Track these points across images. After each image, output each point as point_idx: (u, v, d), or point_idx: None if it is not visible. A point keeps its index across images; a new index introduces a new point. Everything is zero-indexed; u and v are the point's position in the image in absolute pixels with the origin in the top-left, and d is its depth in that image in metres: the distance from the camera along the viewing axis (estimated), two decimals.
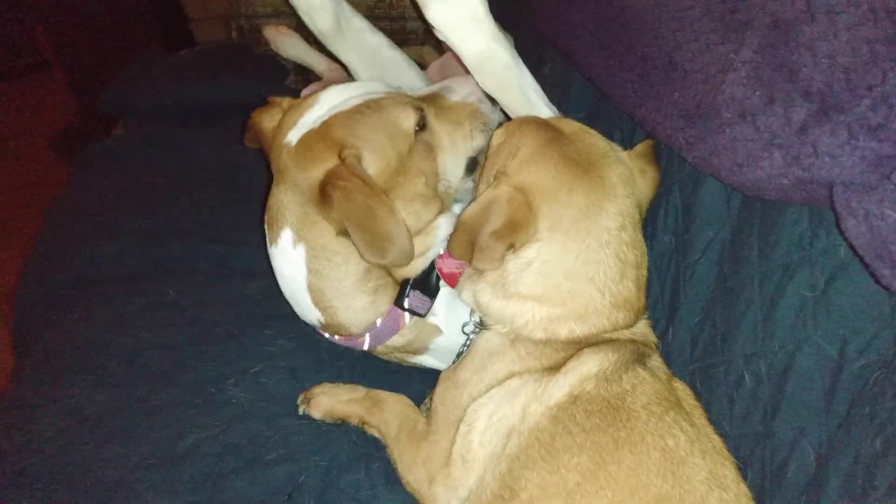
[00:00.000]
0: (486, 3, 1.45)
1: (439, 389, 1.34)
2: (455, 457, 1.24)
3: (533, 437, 1.15)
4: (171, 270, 1.88)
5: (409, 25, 2.75)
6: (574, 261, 1.21)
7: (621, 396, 1.14)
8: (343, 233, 1.32)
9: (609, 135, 1.60)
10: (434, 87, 1.56)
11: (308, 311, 1.50)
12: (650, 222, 1.43)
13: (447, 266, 1.47)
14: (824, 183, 0.89)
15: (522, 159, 1.25)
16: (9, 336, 2.06)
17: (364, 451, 1.45)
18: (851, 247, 0.86)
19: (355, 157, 1.30)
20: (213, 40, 3.36)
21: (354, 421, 1.48)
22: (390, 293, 1.48)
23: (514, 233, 1.19)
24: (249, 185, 2.18)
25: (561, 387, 1.17)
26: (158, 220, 2.04)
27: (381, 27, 2.71)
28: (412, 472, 1.30)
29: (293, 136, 1.39)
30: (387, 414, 1.42)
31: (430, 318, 1.52)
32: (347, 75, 2.56)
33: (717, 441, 1.17)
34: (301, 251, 1.41)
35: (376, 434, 1.45)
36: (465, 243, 1.23)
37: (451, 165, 1.48)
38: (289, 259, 1.44)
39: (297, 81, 2.66)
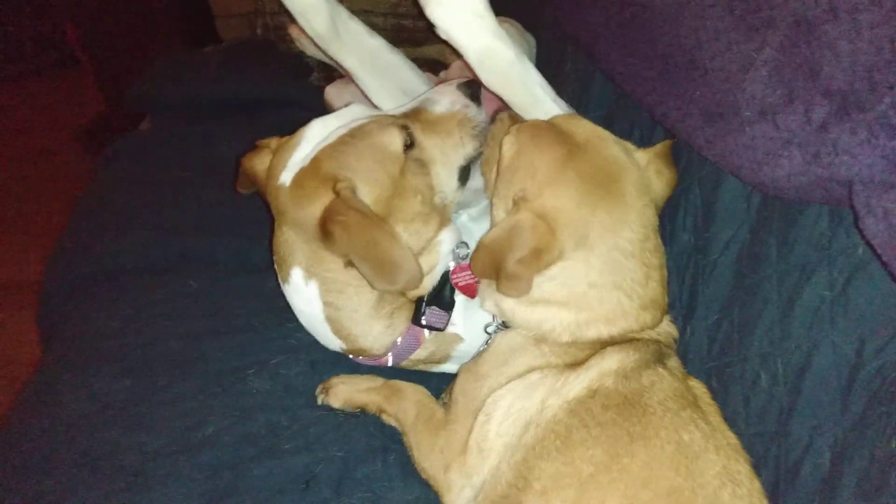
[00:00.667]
0: (487, 0, 1.45)
1: (460, 380, 1.36)
2: (472, 445, 1.25)
3: (549, 429, 1.16)
4: (193, 263, 1.91)
5: None
6: (600, 273, 1.22)
7: (639, 393, 1.15)
8: (350, 264, 1.33)
9: (629, 133, 1.61)
10: (416, 102, 1.52)
11: (329, 341, 1.53)
12: (669, 221, 1.43)
13: (462, 279, 1.49)
14: (844, 182, 0.89)
15: (542, 182, 1.24)
16: (35, 325, 2.11)
17: (380, 443, 1.47)
18: (870, 246, 0.86)
19: (349, 190, 1.30)
20: (237, 37, 3.41)
21: (372, 409, 1.50)
22: (406, 313, 1.49)
23: (540, 259, 1.20)
24: None
25: (581, 381, 1.18)
26: (181, 213, 2.07)
27: (403, 25, 2.74)
28: (429, 459, 1.31)
29: (286, 177, 1.39)
30: (405, 402, 1.43)
31: (450, 328, 1.53)
32: None
33: (732, 438, 1.17)
34: (314, 287, 1.43)
35: (393, 423, 1.47)
36: (489, 265, 1.23)
37: (446, 177, 1.46)
38: (303, 296, 1.46)
39: (319, 79, 2.68)
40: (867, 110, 0.84)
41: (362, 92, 2.19)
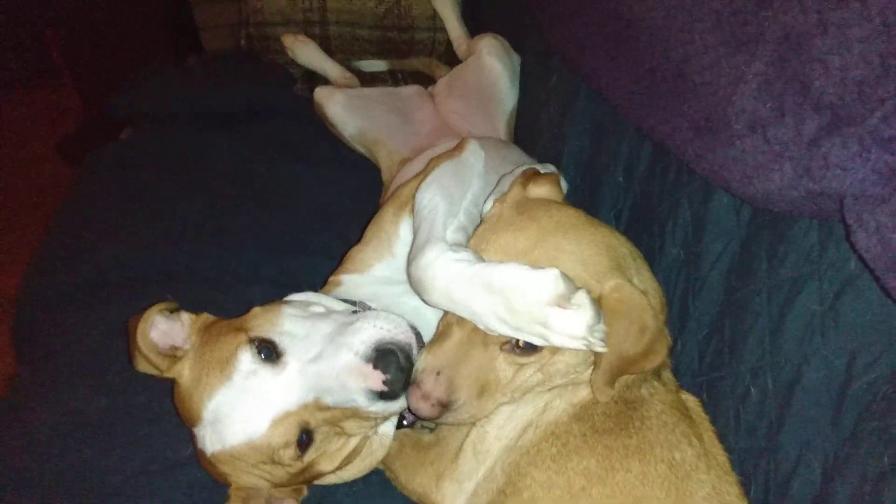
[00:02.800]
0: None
1: None
2: (465, 448, 1.23)
3: (549, 432, 1.14)
4: (174, 275, 1.87)
5: (418, 36, 2.76)
6: None
7: (638, 403, 1.14)
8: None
9: (616, 147, 1.61)
10: (311, 392, 1.21)
11: None
12: (658, 236, 1.43)
13: None
14: (835, 195, 0.89)
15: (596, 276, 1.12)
16: (10, 338, 2.06)
17: None
18: (862, 259, 0.85)
19: (244, 492, 1.25)
20: (221, 48, 3.38)
21: None
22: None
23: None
24: (254, 190, 2.19)
25: (587, 387, 1.16)
26: (162, 224, 2.04)
27: (389, 38, 2.74)
28: (418, 476, 1.28)
29: (208, 448, 1.24)
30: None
31: None
32: (360, 83, 2.58)
33: (722, 457, 1.17)
34: None
35: None
36: (617, 375, 1.12)
37: (360, 436, 1.30)
38: None
39: (304, 89, 2.67)
40: (858, 124, 0.84)
41: (351, 97, 2.17)
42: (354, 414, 1.22)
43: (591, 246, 1.13)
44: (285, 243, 2.02)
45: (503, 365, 1.14)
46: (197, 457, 1.29)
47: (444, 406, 1.14)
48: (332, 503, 1.36)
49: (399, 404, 1.22)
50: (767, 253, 1.14)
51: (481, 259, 1.14)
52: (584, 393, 1.17)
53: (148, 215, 2.08)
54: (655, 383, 1.19)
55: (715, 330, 1.26)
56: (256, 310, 1.34)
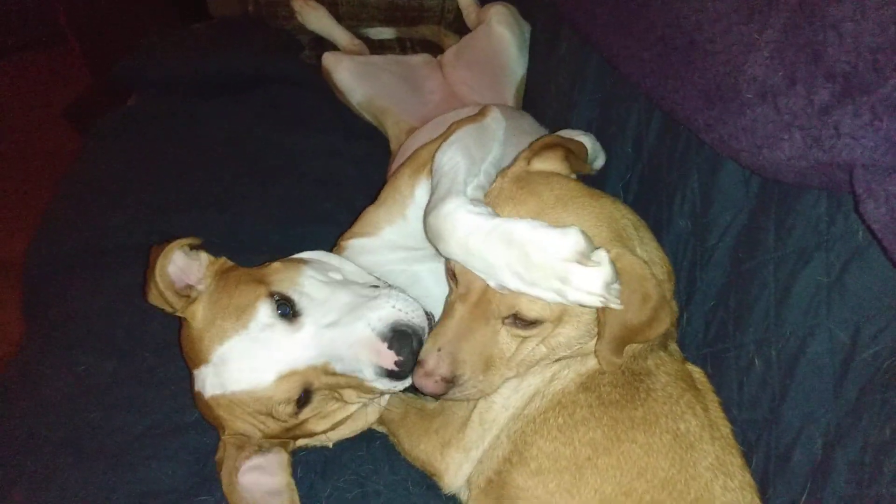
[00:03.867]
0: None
1: None
2: (473, 418, 1.24)
3: (556, 401, 1.15)
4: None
5: (427, 3, 2.71)
6: None
7: (644, 374, 1.15)
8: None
9: (625, 117, 1.59)
10: (323, 355, 1.23)
11: None
12: (666, 207, 1.42)
13: None
14: (844, 165, 0.87)
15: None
16: (19, 303, 2.08)
17: (365, 431, 1.45)
18: (870, 230, 0.84)
19: (237, 439, 1.27)
20: (228, 14, 3.34)
21: None
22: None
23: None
24: (260, 158, 2.18)
25: (595, 357, 1.16)
26: (168, 191, 2.04)
27: (398, 5, 2.70)
28: (423, 443, 1.29)
29: (207, 390, 1.27)
30: (388, 404, 1.41)
31: None
32: (372, 49, 2.55)
33: (726, 429, 1.17)
34: None
35: (376, 427, 1.44)
36: (624, 344, 1.13)
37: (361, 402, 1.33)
38: None
39: (311, 56, 2.64)
40: (871, 92, 0.82)
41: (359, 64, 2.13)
42: (358, 385, 1.24)
43: (590, 218, 1.13)
44: (290, 211, 2.01)
45: (506, 339, 1.15)
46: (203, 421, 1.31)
47: (449, 382, 1.15)
48: (337, 466, 1.37)
49: (403, 384, 1.24)
50: (775, 224, 1.13)
51: (495, 214, 1.14)
52: (591, 363, 1.17)
53: (154, 181, 2.08)
54: (662, 354, 1.19)
55: (721, 301, 1.26)
56: (277, 265, 1.35)
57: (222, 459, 1.26)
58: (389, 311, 1.22)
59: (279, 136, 2.24)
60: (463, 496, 1.29)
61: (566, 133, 1.54)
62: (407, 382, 1.23)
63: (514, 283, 1.08)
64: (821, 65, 0.89)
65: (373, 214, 1.52)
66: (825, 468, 0.98)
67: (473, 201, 1.17)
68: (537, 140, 1.33)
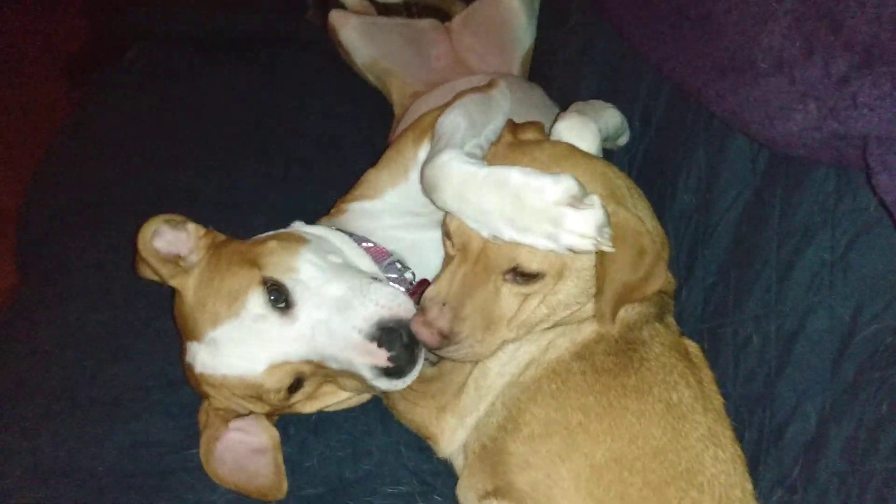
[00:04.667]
0: None
1: None
2: (469, 384, 1.24)
3: (550, 369, 1.15)
4: (176, 196, 1.86)
5: None
6: None
7: (639, 343, 1.15)
8: None
9: (634, 90, 1.58)
10: (315, 351, 1.21)
11: None
12: (671, 182, 1.41)
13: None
14: (857, 138, 0.87)
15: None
16: (13, 253, 2.06)
17: None
18: (882, 203, 0.84)
19: (224, 413, 1.26)
20: None
21: None
22: None
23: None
24: (260, 117, 2.16)
25: (590, 324, 1.17)
26: (166, 146, 2.02)
27: None
28: (418, 407, 1.28)
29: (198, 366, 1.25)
30: None
31: None
32: (378, 12, 2.50)
33: (718, 402, 1.17)
34: None
35: None
36: (621, 302, 1.14)
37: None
38: None
39: (315, 17, 2.60)
40: (892, 63, 0.81)
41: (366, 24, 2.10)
42: (360, 380, 1.23)
43: (584, 174, 1.12)
44: (289, 172, 2.00)
45: (508, 297, 1.14)
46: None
47: (446, 337, 1.14)
48: (330, 424, 1.38)
49: (405, 381, 1.21)
50: (781, 201, 1.12)
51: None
52: (586, 332, 1.17)
53: (152, 137, 2.06)
54: (657, 326, 1.19)
55: (721, 277, 1.26)
56: (273, 244, 1.30)
57: (205, 425, 1.26)
58: (373, 309, 1.19)
59: (281, 96, 2.22)
60: (458, 462, 1.29)
61: (596, 104, 1.51)
62: (409, 380, 1.21)
63: (507, 232, 1.08)
64: (840, 35, 0.88)
65: (374, 176, 1.50)
66: (819, 444, 0.99)
67: (469, 154, 1.17)
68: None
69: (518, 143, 1.24)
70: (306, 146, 2.08)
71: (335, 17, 2.24)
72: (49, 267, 1.74)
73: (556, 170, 1.10)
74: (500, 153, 1.22)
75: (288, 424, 1.37)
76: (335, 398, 1.34)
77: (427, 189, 1.21)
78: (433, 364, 1.40)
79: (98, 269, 1.66)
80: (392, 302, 1.20)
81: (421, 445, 1.33)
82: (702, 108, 1.33)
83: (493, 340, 1.16)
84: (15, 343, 1.54)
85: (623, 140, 1.59)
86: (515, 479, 1.10)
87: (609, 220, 1.04)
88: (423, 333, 1.14)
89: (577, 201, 1.03)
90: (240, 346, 1.19)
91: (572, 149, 1.21)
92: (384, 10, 2.61)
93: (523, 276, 1.11)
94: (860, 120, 0.84)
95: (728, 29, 1.12)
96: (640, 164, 1.55)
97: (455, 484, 1.25)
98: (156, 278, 1.34)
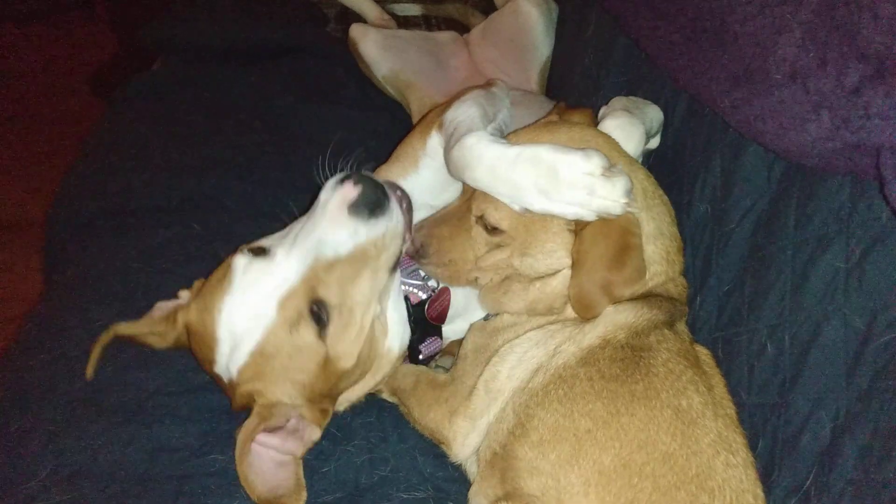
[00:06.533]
0: None
1: (471, 337, 1.36)
2: (479, 387, 1.25)
3: (557, 375, 1.16)
4: (199, 205, 1.89)
5: None
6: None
7: (645, 350, 1.15)
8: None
9: (652, 99, 1.59)
10: (306, 247, 1.25)
11: None
12: (687, 191, 1.42)
13: (435, 309, 1.46)
14: (871, 148, 0.87)
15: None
16: (39, 265, 2.11)
17: (376, 399, 1.47)
18: (895, 213, 0.84)
19: (265, 408, 1.24)
20: None
21: None
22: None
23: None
24: (281, 127, 2.19)
25: (596, 331, 1.19)
26: (190, 155, 2.05)
27: None
28: (432, 412, 1.31)
29: (233, 369, 1.27)
30: (400, 375, 1.43)
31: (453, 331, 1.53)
32: (397, 25, 2.54)
33: (730, 409, 1.18)
34: None
35: (389, 397, 1.46)
36: (602, 293, 1.19)
37: (371, 308, 1.31)
38: None
39: (336, 30, 2.64)
40: None
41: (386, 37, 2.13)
42: (361, 261, 1.25)
43: None
44: (310, 182, 2.02)
45: (477, 239, 1.29)
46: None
47: (417, 249, 1.33)
48: (348, 432, 1.39)
49: (393, 219, 1.27)
50: (796, 210, 1.12)
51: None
52: (592, 338, 1.18)
53: (176, 146, 2.09)
54: (666, 332, 1.19)
55: (736, 286, 1.26)
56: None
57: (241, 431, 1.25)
58: (333, 179, 1.31)
59: (302, 107, 2.25)
60: (471, 469, 1.30)
61: (639, 102, 1.54)
62: (393, 214, 1.27)
63: (539, 203, 1.18)
64: (854, 46, 0.88)
65: (385, 171, 1.55)
66: (833, 453, 0.98)
67: (493, 134, 1.26)
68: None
69: (550, 123, 1.35)
70: (326, 156, 2.11)
71: (355, 30, 2.27)
72: (74, 274, 1.77)
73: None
74: (528, 130, 1.32)
75: None
76: (365, 327, 1.29)
77: (456, 170, 1.29)
78: (446, 371, 1.41)
79: (123, 276, 1.69)
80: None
81: (436, 452, 1.35)
82: (718, 118, 1.34)
83: (459, 269, 1.30)
84: (40, 348, 1.57)
85: (654, 143, 1.60)
86: (525, 484, 1.11)
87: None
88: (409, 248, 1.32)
89: (607, 171, 1.14)
90: (246, 308, 1.22)
91: (599, 135, 1.30)
92: (404, 23, 2.65)
93: (488, 226, 1.26)
94: (873, 130, 0.85)
95: (742, 40, 1.13)
96: (657, 174, 1.54)
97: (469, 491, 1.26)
98: (171, 342, 1.41)
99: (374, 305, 1.31)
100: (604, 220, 1.15)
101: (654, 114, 1.54)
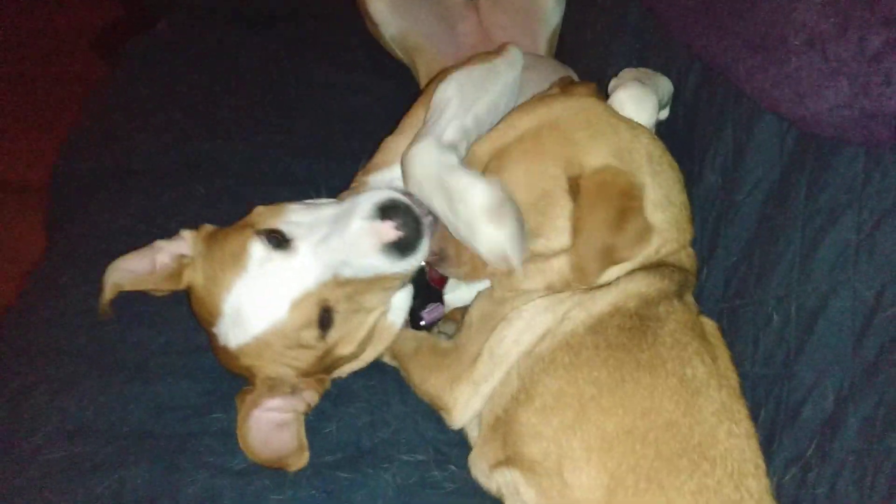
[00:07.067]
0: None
1: (477, 305, 1.36)
2: (483, 352, 1.25)
3: (564, 341, 1.16)
4: (203, 168, 1.88)
5: None
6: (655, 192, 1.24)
7: (654, 320, 1.15)
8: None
9: (665, 68, 1.57)
10: (328, 269, 1.23)
11: None
12: (698, 161, 1.40)
13: (434, 273, 1.44)
14: (889, 116, 0.85)
15: (576, 153, 1.19)
16: (42, 226, 2.11)
17: (378, 362, 1.47)
18: None
19: (266, 386, 1.26)
20: None
21: None
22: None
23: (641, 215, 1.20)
24: (287, 91, 2.17)
25: (607, 298, 1.18)
26: (194, 117, 2.03)
27: None
28: (433, 377, 1.30)
29: (232, 343, 1.27)
30: (401, 339, 1.43)
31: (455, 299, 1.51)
32: None
33: (734, 381, 1.17)
34: None
35: (388, 361, 1.46)
36: (602, 258, 1.17)
37: (379, 307, 1.33)
38: None
39: None
40: None
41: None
42: (377, 282, 1.25)
43: (593, 133, 1.19)
44: (314, 146, 2.00)
45: None
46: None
47: (435, 253, 1.28)
48: (349, 394, 1.39)
49: (418, 257, 1.26)
50: (808, 181, 1.11)
51: (459, 163, 1.21)
52: (601, 304, 1.18)
53: (179, 108, 2.07)
54: (675, 303, 1.19)
55: (744, 257, 1.25)
56: (260, 208, 1.36)
57: (248, 393, 1.27)
58: (370, 196, 1.24)
59: (308, 70, 2.23)
60: (472, 433, 1.31)
61: (649, 72, 1.51)
62: (422, 251, 1.25)
63: (451, 229, 1.19)
64: (877, 10, 0.86)
65: (391, 142, 1.53)
66: (835, 423, 0.99)
67: (444, 144, 1.23)
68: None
69: (553, 96, 1.32)
70: (332, 120, 2.09)
71: None
72: (77, 233, 1.77)
73: (577, 126, 1.18)
74: (536, 103, 1.28)
75: None
76: (367, 325, 1.33)
77: (402, 172, 1.28)
78: (449, 337, 1.41)
79: (126, 236, 1.68)
80: (389, 193, 1.25)
81: (437, 416, 1.35)
82: (731, 87, 1.32)
83: (477, 265, 1.25)
84: (43, 307, 1.58)
85: (664, 114, 1.57)
86: (527, 449, 1.12)
87: (522, 236, 1.12)
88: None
89: (493, 214, 1.11)
90: (258, 297, 1.22)
91: (607, 111, 1.26)
92: None
93: None
94: (893, 97, 0.83)
95: (760, 5, 1.11)
96: (668, 142, 1.52)
97: (469, 454, 1.27)
98: (170, 288, 1.39)
99: (382, 307, 1.34)
100: (602, 184, 1.13)
101: (665, 85, 1.51)
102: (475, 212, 1.11)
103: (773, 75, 1.04)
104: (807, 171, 1.12)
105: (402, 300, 1.41)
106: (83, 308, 1.53)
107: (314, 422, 1.34)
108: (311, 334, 1.23)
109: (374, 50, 2.32)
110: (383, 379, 1.43)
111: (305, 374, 1.30)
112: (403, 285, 1.36)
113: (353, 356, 1.36)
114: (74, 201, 1.88)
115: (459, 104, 1.32)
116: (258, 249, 1.23)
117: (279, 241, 1.23)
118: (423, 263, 1.37)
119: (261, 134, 2.00)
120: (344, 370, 1.40)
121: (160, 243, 1.41)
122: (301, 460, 1.25)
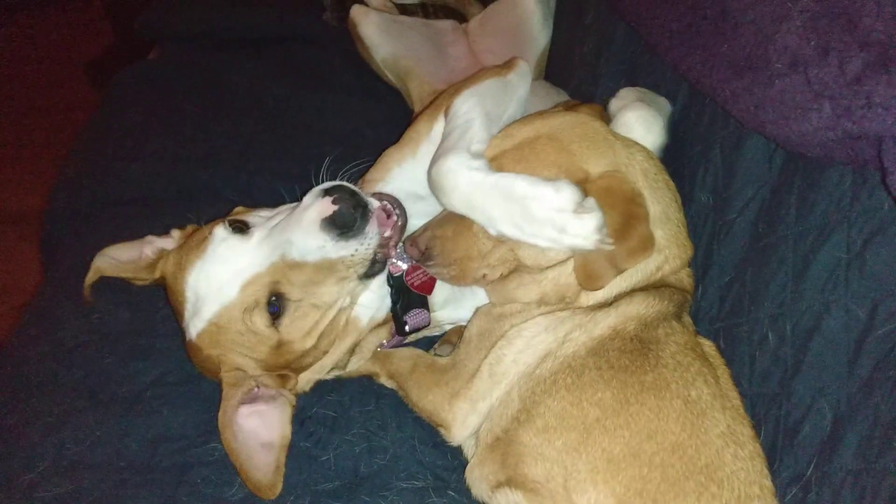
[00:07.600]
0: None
1: (476, 321, 1.36)
2: (482, 369, 1.25)
3: (566, 364, 1.16)
4: (195, 195, 1.89)
5: None
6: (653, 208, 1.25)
7: (654, 343, 1.15)
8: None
9: (653, 89, 1.58)
10: (274, 243, 1.28)
11: None
12: (688, 182, 1.41)
13: (417, 278, 1.45)
14: (873, 137, 0.86)
15: (577, 166, 1.21)
16: (38, 255, 2.11)
17: (374, 388, 1.47)
18: None
19: (230, 375, 1.31)
20: None
21: (363, 373, 1.50)
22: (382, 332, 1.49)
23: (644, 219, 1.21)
24: (278, 116, 2.18)
25: (608, 320, 1.18)
26: (186, 145, 2.05)
27: None
28: (431, 394, 1.31)
29: (191, 333, 1.31)
30: (397, 358, 1.43)
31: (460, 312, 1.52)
32: (398, 11, 2.52)
33: (736, 400, 1.17)
34: None
35: (387, 382, 1.46)
36: (609, 267, 1.17)
37: (338, 302, 1.34)
38: None
39: (333, 18, 2.62)
40: None
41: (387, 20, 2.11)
42: (328, 270, 1.28)
43: (598, 149, 1.21)
44: (306, 171, 2.01)
45: (480, 235, 1.25)
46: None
47: (423, 252, 1.29)
48: (346, 420, 1.39)
49: (364, 243, 1.28)
50: (797, 200, 1.12)
51: (494, 170, 1.22)
52: (602, 328, 1.18)
53: (172, 136, 2.09)
54: (674, 324, 1.19)
55: (737, 276, 1.25)
56: (239, 207, 1.47)
57: (224, 397, 1.30)
58: (317, 188, 1.32)
59: (299, 95, 2.24)
60: (469, 451, 1.30)
61: (649, 94, 1.52)
62: (367, 237, 1.28)
63: (513, 232, 1.18)
64: (856, 34, 0.88)
65: (386, 155, 1.55)
66: (833, 442, 0.98)
67: (475, 156, 1.24)
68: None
69: (551, 111, 1.38)
70: (323, 145, 2.10)
71: (356, 11, 2.25)
72: (72, 264, 1.77)
73: (574, 139, 1.20)
74: (535, 116, 1.31)
75: (306, 420, 1.39)
76: (325, 319, 1.33)
77: (434, 190, 1.29)
78: (448, 354, 1.41)
79: None
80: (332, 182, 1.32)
81: (435, 441, 1.35)
82: (719, 107, 1.33)
83: (465, 268, 1.27)
84: (39, 339, 1.57)
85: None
86: (528, 470, 1.11)
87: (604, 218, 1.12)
88: (409, 249, 1.31)
89: (578, 206, 1.12)
90: (213, 279, 1.27)
91: (603, 130, 1.27)
92: (403, 10, 2.63)
93: None
94: (875, 119, 0.84)
95: (743, 28, 1.12)
96: None
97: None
98: (147, 279, 1.47)
99: (341, 302, 1.35)
100: (608, 191, 1.14)
101: (666, 106, 1.53)
102: (558, 208, 1.12)
103: (758, 98, 1.05)
104: (795, 190, 1.13)
105: (370, 300, 1.42)
106: (79, 343, 1.53)
107: (311, 448, 1.34)
108: (261, 320, 1.26)
109: (365, 74, 2.34)
110: (380, 404, 1.43)
111: (266, 366, 1.32)
112: (361, 279, 1.36)
113: (317, 352, 1.37)
114: (69, 233, 1.88)
115: (483, 121, 1.35)
116: (219, 234, 1.29)
117: (241, 228, 1.30)
118: (405, 267, 1.41)
119: (252, 160, 2.02)
120: (315, 370, 1.40)
121: (151, 237, 1.51)
122: (273, 491, 1.24)
